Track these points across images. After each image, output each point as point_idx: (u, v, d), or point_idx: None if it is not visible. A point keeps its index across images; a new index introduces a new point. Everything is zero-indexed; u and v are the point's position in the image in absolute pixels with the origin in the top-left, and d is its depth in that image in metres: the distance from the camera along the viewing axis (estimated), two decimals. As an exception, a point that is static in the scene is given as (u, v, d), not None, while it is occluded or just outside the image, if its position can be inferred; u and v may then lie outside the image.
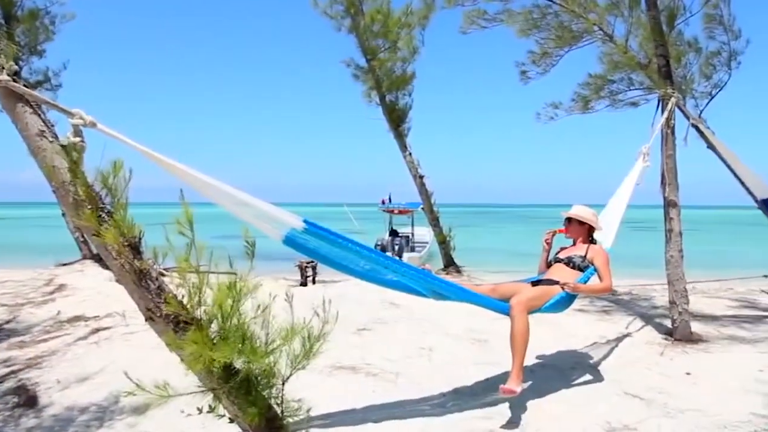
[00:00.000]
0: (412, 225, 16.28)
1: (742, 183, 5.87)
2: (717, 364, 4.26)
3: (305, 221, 2.75)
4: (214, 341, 2.32)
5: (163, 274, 2.71)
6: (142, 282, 2.28)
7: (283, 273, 9.46)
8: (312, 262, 8.43)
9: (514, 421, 3.20)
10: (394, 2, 10.41)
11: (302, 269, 8.62)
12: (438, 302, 3.49)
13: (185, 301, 2.35)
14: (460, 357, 4.46)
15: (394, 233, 15.29)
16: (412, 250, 15.25)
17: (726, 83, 6.58)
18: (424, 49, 10.70)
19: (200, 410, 2.52)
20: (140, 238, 2.48)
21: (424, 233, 15.52)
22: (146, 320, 2.36)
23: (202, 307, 2.35)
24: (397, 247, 13.88)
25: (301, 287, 8.30)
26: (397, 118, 10.87)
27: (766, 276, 6.42)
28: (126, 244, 2.25)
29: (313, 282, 8.69)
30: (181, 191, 2.24)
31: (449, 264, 11.14)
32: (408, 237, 15.63)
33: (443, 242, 11.28)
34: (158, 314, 2.29)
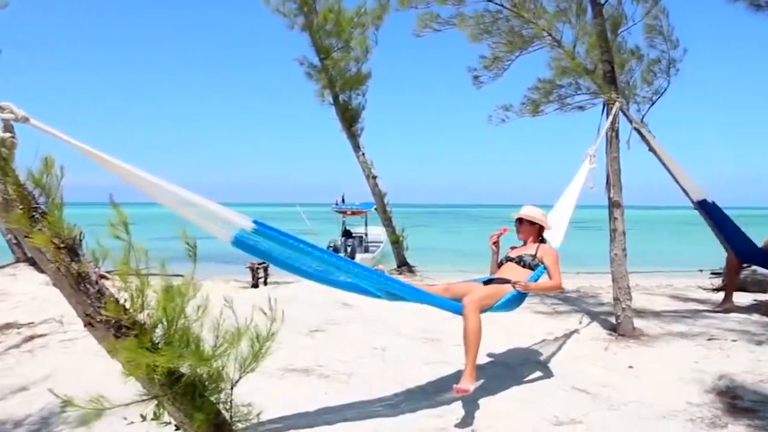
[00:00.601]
0: (366, 225, 16.28)
1: (680, 185, 6.19)
2: (657, 357, 4.44)
3: (255, 221, 2.67)
4: (158, 346, 2.23)
5: (104, 277, 2.59)
6: (81, 286, 2.16)
7: (234, 275, 9.26)
8: (264, 263, 8.29)
9: (465, 419, 3.24)
10: (349, 2, 10.40)
11: (254, 271, 8.46)
12: (390, 303, 3.49)
13: (128, 305, 2.25)
14: (413, 357, 4.47)
15: (347, 234, 15.25)
16: (366, 250, 15.25)
17: (666, 89, 6.91)
18: (378, 48, 10.73)
19: (143, 417, 2.42)
20: (81, 240, 2.36)
21: (378, 233, 15.56)
22: (85, 326, 2.24)
23: (146, 311, 2.26)
24: (349, 249, 13.84)
25: (253, 289, 8.15)
26: (350, 118, 10.83)
27: (701, 270, 6.79)
28: (63, 246, 2.13)
29: (265, 283, 8.55)
30: (110, 195, 2.14)
31: (402, 264, 11.19)
32: (361, 237, 15.63)
33: (396, 242, 11.32)
34: (98, 319, 2.18)
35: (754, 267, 6.95)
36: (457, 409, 3.36)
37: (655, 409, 3.36)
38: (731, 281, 6.42)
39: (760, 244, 6.24)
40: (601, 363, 4.33)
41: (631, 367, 4.21)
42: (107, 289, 2.24)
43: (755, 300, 6.73)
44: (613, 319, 5.37)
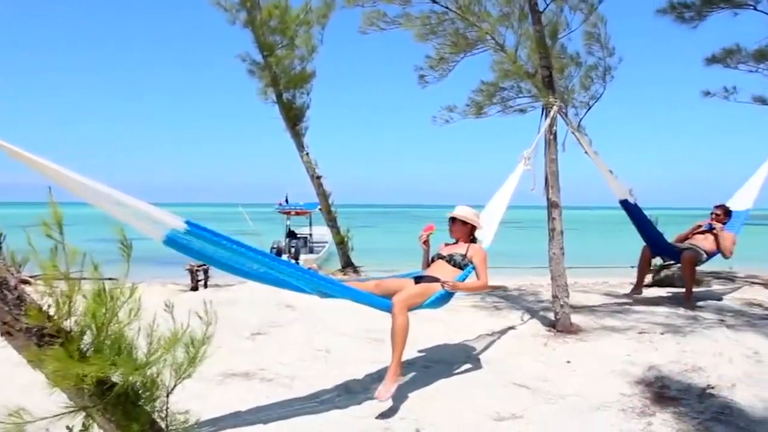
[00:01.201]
0: (310, 226, 16.13)
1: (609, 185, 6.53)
2: (593, 351, 4.62)
3: (187, 222, 2.63)
4: (87, 354, 2.10)
5: (26, 282, 2.41)
6: (-3, 292, 2.00)
7: (172, 277, 8.92)
8: (203, 265, 8.02)
9: (408, 417, 3.25)
10: (294, 1, 10.23)
11: (193, 273, 8.16)
12: (335, 303, 3.54)
13: (53, 311, 2.10)
14: (357, 357, 4.45)
15: (291, 234, 15.03)
16: (311, 251, 15.09)
17: (601, 95, 7.21)
18: (325, 46, 10.62)
19: (70, 430, 2.28)
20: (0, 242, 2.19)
21: (323, 233, 15.43)
22: (2, 335, 2.08)
23: (73, 318, 2.12)
24: (293, 249, 13.65)
25: (192, 292, 7.87)
26: (294, 117, 10.67)
27: (633, 267, 7.18)
28: (-24, 248, 1.97)
29: (205, 286, 8.27)
30: (49, 189, 2.01)
31: (347, 264, 11.14)
32: (306, 238, 15.46)
33: (341, 243, 11.26)
34: (17, 328, 2.02)
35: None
36: (400, 408, 3.37)
37: (590, 401, 3.50)
38: (642, 271, 6.91)
39: (671, 240, 6.93)
40: (540, 358, 4.46)
41: (568, 361, 4.36)
42: (28, 295, 2.08)
43: (670, 292, 7.30)
44: (552, 316, 5.54)
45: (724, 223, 6.71)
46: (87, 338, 2.15)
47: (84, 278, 2.13)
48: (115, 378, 2.20)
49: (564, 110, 5.92)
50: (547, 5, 5.78)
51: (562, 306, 5.31)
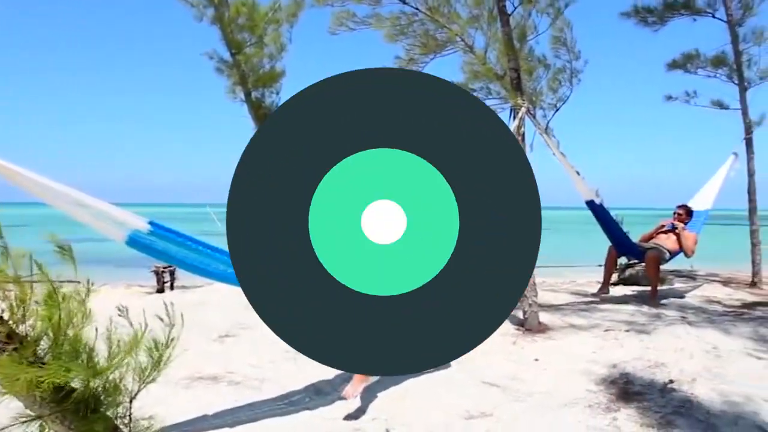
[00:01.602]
0: None
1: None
2: (560, 349, 4.70)
3: (150, 222, 2.58)
4: (43, 359, 2.02)
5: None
6: (-56, 296, 1.91)
7: (137, 279, 8.71)
8: (170, 266, 7.84)
9: (379, 417, 3.24)
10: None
11: (159, 274, 7.98)
12: None
13: (6, 315, 2.01)
14: (328, 358, 4.42)
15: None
16: None
17: (568, 98, 7.37)
18: (294, 45, 10.52)
19: (26, 440, 2.18)
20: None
21: None
22: (-47, 341, 1.98)
23: (28, 322, 2.03)
24: None
25: (158, 294, 7.69)
26: (263, 116, 10.51)
27: (600, 266, 7.33)
28: None
29: (171, 288, 8.10)
30: None
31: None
32: None
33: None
34: (-33, 333, 1.93)
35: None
36: (371, 408, 3.35)
37: (558, 399, 3.55)
38: (608, 270, 7.03)
39: (636, 239, 7.12)
40: (510, 357, 4.51)
41: (537, 359, 4.41)
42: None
43: (635, 291, 7.51)
44: (520, 315, 5.61)
45: (686, 223, 6.92)
46: (44, 342, 2.07)
47: (40, 281, 2.05)
48: (75, 384, 2.12)
49: (532, 112, 6.01)
50: (515, 8, 5.87)
51: (530, 305, 5.38)
